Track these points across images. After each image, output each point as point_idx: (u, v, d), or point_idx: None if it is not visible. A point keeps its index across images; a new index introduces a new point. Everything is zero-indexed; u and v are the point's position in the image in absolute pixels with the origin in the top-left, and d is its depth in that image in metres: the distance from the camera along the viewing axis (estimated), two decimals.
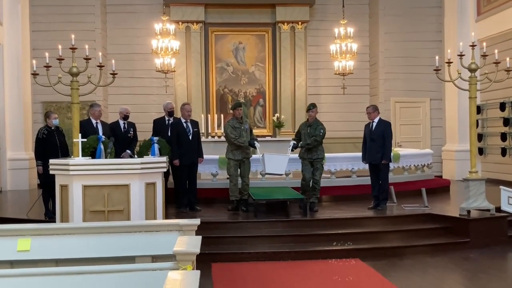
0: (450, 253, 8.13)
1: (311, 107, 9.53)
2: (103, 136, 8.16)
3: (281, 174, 9.95)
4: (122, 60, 14.47)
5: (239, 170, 9.47)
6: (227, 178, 9.75)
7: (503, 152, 13.85)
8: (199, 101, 15.64)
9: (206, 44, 16.00)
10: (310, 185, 9.48)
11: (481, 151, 14.61)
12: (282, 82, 15.99)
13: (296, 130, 10.01)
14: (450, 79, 8.84)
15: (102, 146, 7.77)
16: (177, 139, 9.36)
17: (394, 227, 8.80)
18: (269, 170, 9.54)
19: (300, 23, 15.98)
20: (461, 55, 8.72)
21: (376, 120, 9.54)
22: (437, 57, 9.26)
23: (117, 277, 3.69)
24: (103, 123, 9.46)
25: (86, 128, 8.67)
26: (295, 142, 9.47)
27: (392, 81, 16.32)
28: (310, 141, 9.26)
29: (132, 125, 9.82)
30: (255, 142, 9.46)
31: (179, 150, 9.32)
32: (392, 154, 9.86)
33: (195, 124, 9.71)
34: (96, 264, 4.14)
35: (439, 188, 12.12)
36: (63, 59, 7.57)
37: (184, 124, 9.51)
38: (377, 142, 9.39)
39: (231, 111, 10.53)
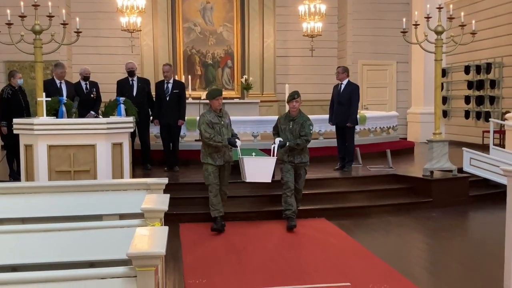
0: (413, 212, 8.35)
1: (295, 95, 7.49)
2: (65, 98, 8.04)
3: (268, 182, 7.70)
4: (86, 19, 14.12)
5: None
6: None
7: (467, 114, 14.14)
8: (165, 61, 15.34)
9: (173, 3, 15.71)
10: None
11: (445, 113, 14.89)
12: (251, 43, 15.87)
13: (275, 120, 8.05)
14: (417, 41, 8.91)
15: (64, 108, 7.67)
16: (158, 100, 9.64)
17: (359, 187, 8.98)
18: (251, 178, 7.46)
19: None
20: (428, 18, 8.78)
21: (344, 82, 9.57)
22: (404, 19, 9.29)
23: (85, 234, 3.68)
24: (67, 83, 9.24)
25: (50, 89, 8.50)
26: (281, 140, 7.49)
27: (360, 43, 16.36)
28: (301, 141, 7.46)
29: (94, 85, 9.60)
30: (237, 139, 7.43)
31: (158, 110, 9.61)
32: (358, 116, 9.93)
33: (177, 85, 9.77)
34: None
35: (403, 149, 12.36)
36: (25, 17, 7.37)
37: (165, 85, 9.64)
38: (345, 105, 9.46)
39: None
